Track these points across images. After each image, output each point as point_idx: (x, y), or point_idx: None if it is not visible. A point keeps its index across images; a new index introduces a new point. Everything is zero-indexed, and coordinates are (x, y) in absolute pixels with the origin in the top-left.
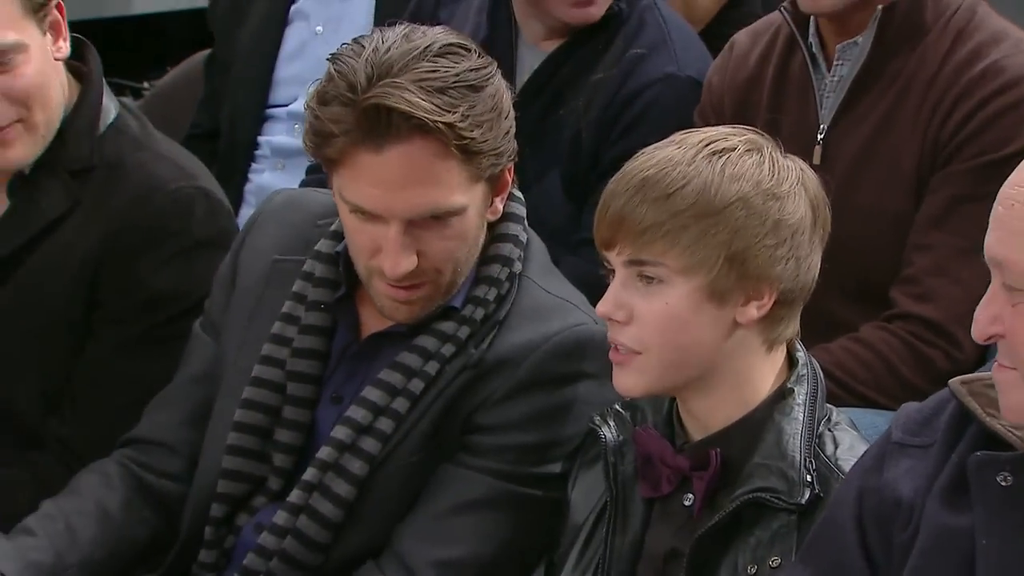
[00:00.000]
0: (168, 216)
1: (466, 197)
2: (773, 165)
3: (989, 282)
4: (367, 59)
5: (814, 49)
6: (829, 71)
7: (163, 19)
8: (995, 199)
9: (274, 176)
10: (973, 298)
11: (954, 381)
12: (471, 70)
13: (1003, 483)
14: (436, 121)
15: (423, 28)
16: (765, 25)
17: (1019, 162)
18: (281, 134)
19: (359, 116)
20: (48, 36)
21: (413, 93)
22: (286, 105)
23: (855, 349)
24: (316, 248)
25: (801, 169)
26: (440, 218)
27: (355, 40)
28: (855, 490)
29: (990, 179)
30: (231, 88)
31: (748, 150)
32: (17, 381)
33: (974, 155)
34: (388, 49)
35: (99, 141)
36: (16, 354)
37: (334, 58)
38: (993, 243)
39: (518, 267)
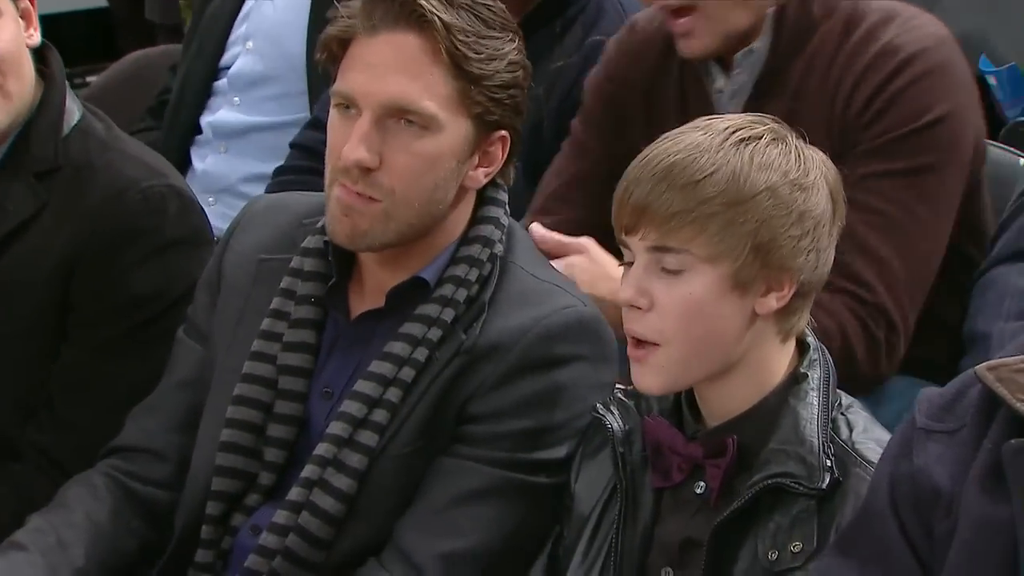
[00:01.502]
0: (141, 215)
1: (443, 113)
2: (799, 156)
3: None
4: None
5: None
6: (729, 79)
7: (60, 20)
8: (909, 173)
9: (217, 160)
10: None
11: (980, 368)
12: (493, 11)
13: None
14: (435, 14)
15: None
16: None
17: (938, 132)
18: (221, 108)
19: (365, 1)
20: (20, 20)
21: None
22: (228, 67)
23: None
24: (303, 245)
25: (823, 161)
26: (412, 124)
27: None
28: (887, 477)
29: (897, 154)
30: (190, 55)
31: (774, 139)
32: None
33: (879, 135)
34: None
35: (64, 142)
36: None
37: None
38: None
39: (499, 249)
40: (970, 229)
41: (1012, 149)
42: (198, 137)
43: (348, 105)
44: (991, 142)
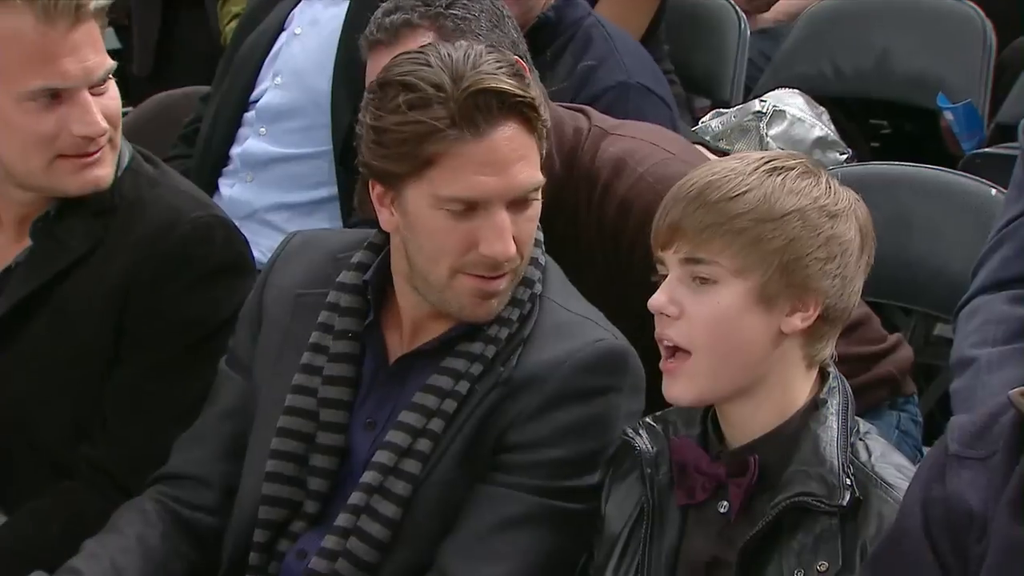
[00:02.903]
0: (190, 243)
1: (541, 175)
2: (830, 187)
3: None
4: (437, 67)
5: None
6: None
7: None
8: None
9: (243, 188)
10: None
11: (1014, 393)
12: (513, 64)
13: None
14: (526, 97)
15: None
16: None
17: None
18: (249, 139)
19: (460, 106)
20: None
21: (500, 78)
22: (256, 101)
23: None
24: (339, 280)
25: (855, 199)
26: (527, 199)
27: (398, 59)
28: (919, 501)
29: None
30: (224, 88)
31: (804, 172)
32: (50, 410)
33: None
34: (445, 56)
35: (118, 182)
36: (49, 384)
37: (395, 73)
38: None
39: (539, 288)
40: None
41: (981, 180)
42: (226, 168)
43: (469, 207)
44: (959, 172)
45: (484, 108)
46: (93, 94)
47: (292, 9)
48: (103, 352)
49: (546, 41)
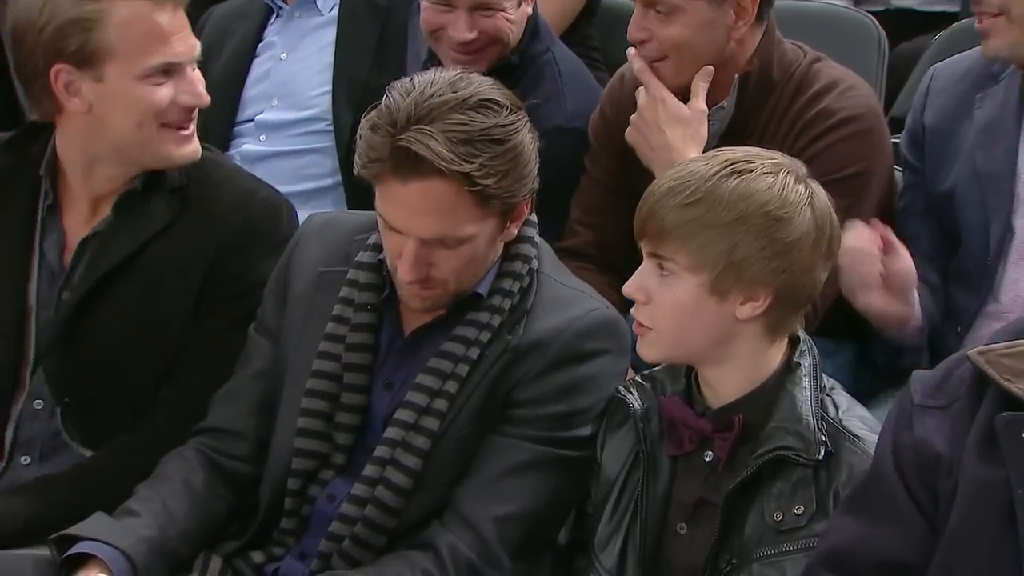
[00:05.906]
0: (263, 218)
1: (476, 228)
2: (783, 189)
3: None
4: (413, 99)
5: None
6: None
7: None
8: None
9: None
10: None
11: (972, 352)
12: (498, 125)
13: None
14: (453, 170)
15: (470, 77)
16: None
17: (852, 184)
18: (249, 144)
19: (392, 151)
20: None
21: (439, 142)
22: (251, 120)
23: None
24: (357, 259)
25: (812, 193)
26: (450, 242)
27: (411, 79)
28: (890, 446)
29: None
30: (202, 110)
31: (765, 173)
32: (135, 360)
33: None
34: (432, 95)
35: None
36: (136, 337)
37: (389, 89)
38: None
39: (535, 264)
40: None
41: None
42: None
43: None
44: None
45: (411, 163)
46: None
47: (262, 31)
48: (185, 309)
49: (511, 83)
